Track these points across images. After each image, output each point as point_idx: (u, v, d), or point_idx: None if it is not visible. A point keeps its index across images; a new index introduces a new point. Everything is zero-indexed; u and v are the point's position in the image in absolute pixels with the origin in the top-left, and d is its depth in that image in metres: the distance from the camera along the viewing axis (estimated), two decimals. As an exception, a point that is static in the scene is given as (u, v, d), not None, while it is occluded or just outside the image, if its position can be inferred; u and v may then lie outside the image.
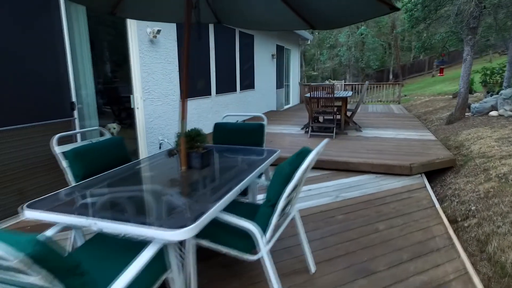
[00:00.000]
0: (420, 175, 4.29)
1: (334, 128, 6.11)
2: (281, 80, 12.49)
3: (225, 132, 3.24)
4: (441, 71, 24.17)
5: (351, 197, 3.64)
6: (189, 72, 5.90)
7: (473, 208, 3.24)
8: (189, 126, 5.00)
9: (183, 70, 2.56)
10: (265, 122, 3.22)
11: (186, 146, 2.17)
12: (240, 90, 8.31)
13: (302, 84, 7.00)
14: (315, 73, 30.85)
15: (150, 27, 4.75)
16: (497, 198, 3.19)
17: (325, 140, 2.00)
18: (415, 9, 8.74)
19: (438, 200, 3.83)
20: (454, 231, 2.96)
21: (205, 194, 1.79)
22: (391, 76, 30.20)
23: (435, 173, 4.60)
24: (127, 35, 4.51)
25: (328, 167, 4.63)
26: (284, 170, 1.66)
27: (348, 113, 7.03)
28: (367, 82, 6.80)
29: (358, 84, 14.55)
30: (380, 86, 15.08)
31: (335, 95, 6.41)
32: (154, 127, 5.08)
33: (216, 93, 7.02)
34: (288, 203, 1.84)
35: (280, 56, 12.16)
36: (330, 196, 3.68)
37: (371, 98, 14.86)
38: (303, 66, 32.45)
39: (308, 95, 6.17)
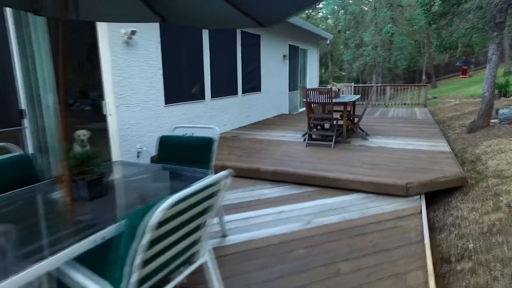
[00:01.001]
0: (418, 196, 3.64)
1: (334, 137, 5.52)
2: (296, 82, 11.92)
3: (170, 147, 2.83)
4: (464, 72, 22.34)
5: (325, 223, 3.10)
6: (175, 75, 5.57)
7: (470, 246, 2.59)
8: (179, 133, 4.72)
9: (61, 75, 2.12)
10: (216, 136, 2.77)
11: (75, 171, 1.78)
12: (243, 93, 7.89)
13: (302, 87, 6.45)
14: (343, 73, 29.76)
15: (125, 28, 4.46)
16: (502, 235, 2.52)
17: (221, 174, 1.52)
18: (432, 3, 7.81)
19: (436, 229, 3.20)
20: (441, 277, 2.35)
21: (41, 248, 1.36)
22: (423, 77, 28.43)
23: (441, 193, 3.91)
24: (97, 38, 4.24)
25: (315, 183, 4.09)
26: (135, 222, 1.21)
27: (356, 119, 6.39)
28: (374, 86, 6.12)
29: (369, 87, 13.63)
30: (405, 88, 14.04)
31: (339, 100, 5.82)
32: (132, 135, 4.78)
33: (212, 97, 6.65)
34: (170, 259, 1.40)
35: (294, 57, 11.60)
36: (301, 221, 3.15)
37: (395, 101, 13.87)
38: (329, 66, 31.46)
39: (306, 100, 5.63)
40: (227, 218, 3.21)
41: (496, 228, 2.66)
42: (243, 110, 8.02)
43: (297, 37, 11.24)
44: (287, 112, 10.98)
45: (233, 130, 7.44)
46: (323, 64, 32.97)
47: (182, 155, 2.76)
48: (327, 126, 6.52)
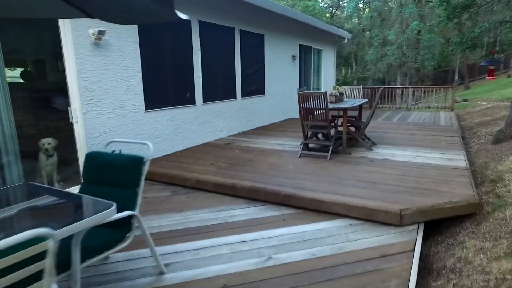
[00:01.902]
0: (415, 226, 2.96)
1: (331, 147, 4.88)
2: (308, 84, 11.26)
3: (96, 167, 2.37)
4: (490, 73, 20.40)
5: (288, 260, 2.52)
6: (158, 78, 5.17)
7: (468, 309, 1.92)
8: (161, 140, 4.36)
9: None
10: (147, 156, 2.28)
11: None
12: (242, 96, 7.39)
13: (299, 91, 5.84)
14: (367, 73, 28.47)
15: (93, 27, 4.10)
16: (512, 299, 1.84)
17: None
18: (453, -5, 6.89)
19: (433, 271, 2.54)
20: None
21: None
22: (456, 77, 26.58)
23: (448, 220, 3.21)
24: (60, 39, 3.90)
25: (294, 205, 3.50)
26: None
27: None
28: (381, 88, 5.41)
29: (376, 89, 12.62)
30: (431, 90, 12.94)
31: (336, 105, 5.19)
32: (103, 143, 4.41)
33: (204, 101, 6.20)
34: None
35: (306, 57, 10.95)
36: (260, 256, 2.60)
37: (417, 104, 12.82)
38: (353, 66, 30.25)
39: (300, 105, 5.02)
40: (174, 248, 2.72)
41: (508, 285, 1.97)
42: (243, 115, 7.51)
43: (310, 37, 10.59)
44: (297, 116, 10.33)
45: (229, 136, 6.96)
46: (348, 64, 31.80)
47: (108, 177, 2.30)
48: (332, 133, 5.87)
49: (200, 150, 5.70)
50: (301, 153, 5.04)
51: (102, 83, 4.34)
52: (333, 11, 31.07)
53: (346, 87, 6.84)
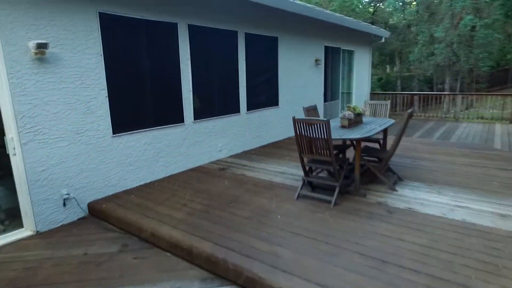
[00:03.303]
0: None
1: (337, 189, 3.73)
2: (335, 90, 9.97)
3: None
4: None
5: None
6: (130, 95, 4.34)
7: None
8: (136, 168, 3.69)
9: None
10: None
11: None
12: (248, 109, 6.39)
13: (305, 108, 4.73)
14: (412, 72, 25.90)
15: (33, 39, 3.34)
16: None
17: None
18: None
19: None
20: None
21: None
22: (519, 77, 23.23)
23: None
24: (-11, 55, 3.19)
25: (263, 289, 2.47)
26: None
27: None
28: (410, 111, 4.11)
29: (411, 95, 10.76)
30: (482, 97, 10.96)
31: (342, 136, 4.03)
32: (52, 178, 3.68)
33: (195, 119, 5.31)
34: None
35: (334, 60, 9.67)
36: None
37: (469, 114, 10.93)
38: (397, 65, 27.78)
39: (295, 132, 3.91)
40: None
41: None
42: (249, 131, 6.51)
43: (338, 37, 9.28)
44: (320, 128, 9.10)
45: (230, 157, 6.00)
46: (392, 62, 29.29)
47: None
48: (343, 162, 4.68)
49: (184, 178, 4.81)
50: (299, 194, 3.95)
51: (50, 106, 3.59)
52: (377, 5, 28.71)
53: (371, 102, 5.56)
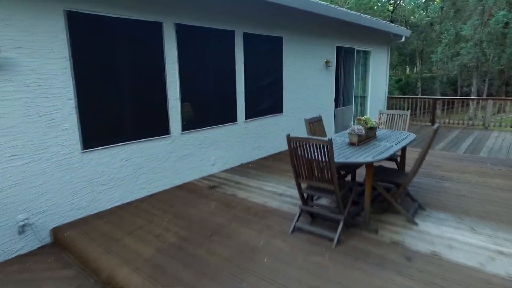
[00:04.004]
0: None
1: (341, 224, 3.04)
2: (348, 94, 9.18)
3: None
4: None
5: None
6: (104, 104, 3.77)
7: None
8: (110, 187, 3.33)
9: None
10: None
11: None
12: (247, 118, 5.75)
13: (307, 120, 4.05)
14: (434, 72, 24.53)
15: (-23, 42, 2.83)
16: None
17: None
18: None
19: None
20: None
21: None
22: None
23: None
24: None
25: None
26: None
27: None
28: (436, 127, 3.35)
29: (434, 100, 9.73)
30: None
31: (362, 157, 3.33)
32: (7, 202, 3.16)
33: (184, 130, 4.71)
34: None
35: (347, 62, 8.90)
36: None
37: (501, 121, 9.87)
38: (418, 66, 26.45)
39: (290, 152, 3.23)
40: None
41: None
42: (248, 142, 5.87)
43: (352, 36, 8.50)
44: (331, 136, 8.34)
45: (224, 171, 5.38)
46: (413, 62, 27.94)
47: None
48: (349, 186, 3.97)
49: (167, 198, 4.22)
50: (294, 226, 3.27)
51: (3, 120, 3.06)
52: (397, 2, 27.44)
53: (387, 112, 4.80)
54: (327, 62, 7.72)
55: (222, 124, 5.30)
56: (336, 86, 8.49)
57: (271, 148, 6.42)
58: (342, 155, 3.20)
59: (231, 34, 5.22)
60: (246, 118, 5.73)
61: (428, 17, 20.39)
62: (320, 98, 7.73)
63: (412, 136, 4.03)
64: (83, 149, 3.66)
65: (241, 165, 5.69)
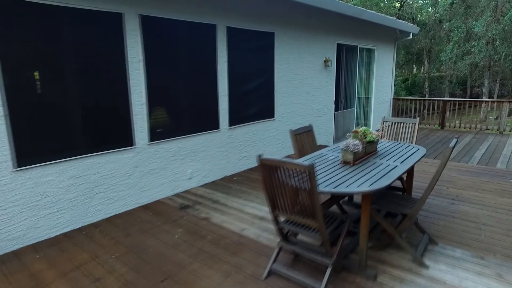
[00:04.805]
0: None
1: (330, 268, 2.33)
2: (350, 96, 8.44)
3: None
4: None
5: None
6: (45, 112, 3.06)
7: None
8: (55, 211, 2.94)
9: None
10: None
11: None
12: (231, 124, 5.06)
13: (293, 132, 3.33)
14: (442, 73, 23.54)
15: None
16: None
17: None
18: None
19: None
20: None
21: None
22: None
23: None
24: None
25: None
26: None
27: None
28: (453, 145, 2.63)
29: (445, 102, 8.93)
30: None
31: (355, 187, 2.63)
32: None
33: (152, 140, 4.03)
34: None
35: (349, 60, 8.15)
36: None
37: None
38: (426, 65, 25.50)
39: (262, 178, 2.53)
40: None
41: None
42: (233, 151, 5.17)
43: (354, 33, 7.76)
44: (330, 142, 7.64)
45: (205, 185, 4.70)
46: (420, 61, 26.96)
47: None
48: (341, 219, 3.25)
49: (127, 223, 3.54)
50: (270, 269, 2.57)
51: None
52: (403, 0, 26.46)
53: (390, 120, 4.07)
54: (326, 61, 7.00)
55: (201, 131, 4.62)
56: (336, 88, 7.76)
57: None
58: (332, 180, 2.49)
59: (211, 29, 4.53)
60: (230, 125, 5.03)
61: (437, 13, 19.45)
62: (318, 101, 7.00)
63: (422, 151, 3.30)
64: (17, 167, 3.00)
65: (225, 178, 5.00)
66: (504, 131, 8.66)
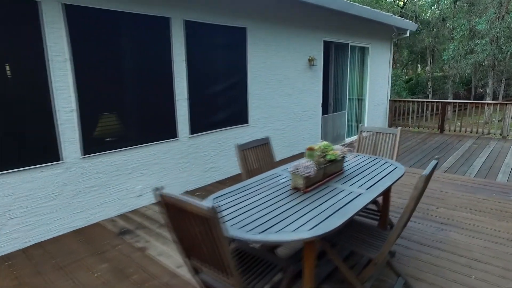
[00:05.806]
0: None
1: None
2: (340, 98, 7.80)
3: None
4: None
5: None
6: None
7: None
8: None
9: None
10: None
11: None
12: (193, 132, 4.46)
13: (240, 147, 2.72)
14: (445, 73, 22.69)
15: None
16: None
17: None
18: None
19: None
20: None
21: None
22: None
23: None
24: None
25: None
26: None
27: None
28: (434, 163, 2.01)
29: (446, 104, 8.25)
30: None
31: (263, 237, 2.00)
32: None
33: (88, 153, 3.44)
34: None
35: (338, 59, 7.52)
36: None
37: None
38: (429, 64, 24.67)
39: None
40: None
41: None
42: (196, 162, 4.57)
43: (344, 29, 7.12)
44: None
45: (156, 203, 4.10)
46: (424, 60, 26.11)
47: None
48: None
49: (44, 255, 2.95)
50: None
51: None
52: (406, -2, 25.62)
53: (367, 129, 3.45)
54: (311, 60, 6.37)
55: (154, 141, 4.02)
56: (324, 89, 7.14)
57: (232, 168, 5.11)
58: (264, 219, 1.86)
59: (164, 22, 3.92)
60: (192, 132, 4.43)
61: (439, 10, 18.66)
62: (302, 104, 6.37)
63: (400, 170, 2.67)
64: None
65: (187, 192, 4.41)
66: (507, 135, 7.96)
